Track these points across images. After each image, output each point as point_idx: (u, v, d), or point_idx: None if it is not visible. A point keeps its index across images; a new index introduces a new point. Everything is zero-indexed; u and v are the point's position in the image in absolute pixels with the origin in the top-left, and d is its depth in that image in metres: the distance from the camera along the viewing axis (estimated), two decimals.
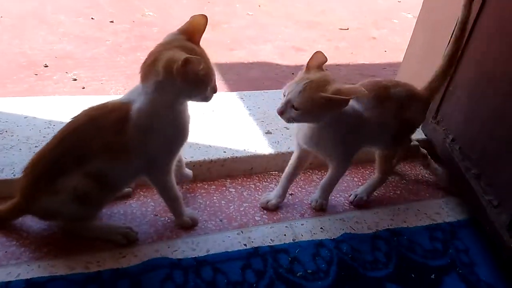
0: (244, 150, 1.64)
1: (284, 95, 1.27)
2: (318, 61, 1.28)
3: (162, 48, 1.12)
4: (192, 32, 1.17)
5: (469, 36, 1.60)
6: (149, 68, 1.11)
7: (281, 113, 1.26)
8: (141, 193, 1.48)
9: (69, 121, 1.19)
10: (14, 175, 1.37)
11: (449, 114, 1.73)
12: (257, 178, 1.63)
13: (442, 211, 1.60)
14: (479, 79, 1.57)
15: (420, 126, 1.89)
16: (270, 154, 1.65)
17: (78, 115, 1.19)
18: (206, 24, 1.19)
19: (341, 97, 1.21)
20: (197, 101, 1.20)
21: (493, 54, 1.51)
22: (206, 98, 1.20)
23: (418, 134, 1.90)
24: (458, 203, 1.63)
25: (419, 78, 1.93)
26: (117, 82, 2.19)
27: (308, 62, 1.29)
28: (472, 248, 1.44)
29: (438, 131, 1.78)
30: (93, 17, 2.90)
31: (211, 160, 1.57)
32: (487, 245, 1.44)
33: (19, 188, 1.20)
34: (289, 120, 1.27)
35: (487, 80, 1.53)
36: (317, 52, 1.28)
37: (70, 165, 1.15)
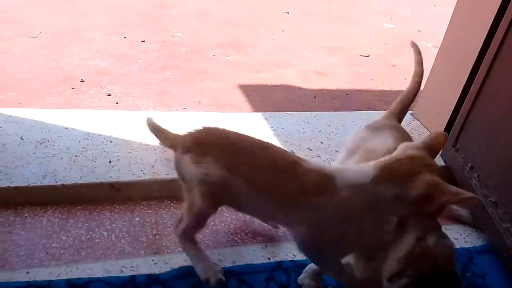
0: None
1: None
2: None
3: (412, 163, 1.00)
4: (432, 149, 1.09)
5: (490, 67, 1.67)
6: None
7: None
8: (172, 204, 1.57)
9: None
10: (56, 182, 1.47)
11: (469, 143, 1.79)
12: None
13: (460, 237, 1.64)
14: (499, 110, 1.64)
15: (439, 153, 1.95)
16: None
17: None
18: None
19: None
20: None
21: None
22: None
23: (438, 161, 1.95)
24: (474, 230, 1.67)
25: (439, 106, 2.01)
26: (148, 99, 2.30)
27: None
28: (488, 274, 1.48)
29: (457, 159, 1.83)
30: (125, 36, 3.05)
31: None
32: (504, 271, 1.47)
33: None
34: None
35: (507, 111, 1.59)
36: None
37: None
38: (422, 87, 2.25)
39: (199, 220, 1.24)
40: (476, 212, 1.64)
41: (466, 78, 1.84)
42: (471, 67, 1.81)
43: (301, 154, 1.84)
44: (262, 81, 2.72)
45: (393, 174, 0.98)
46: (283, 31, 3.61)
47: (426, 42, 3.52)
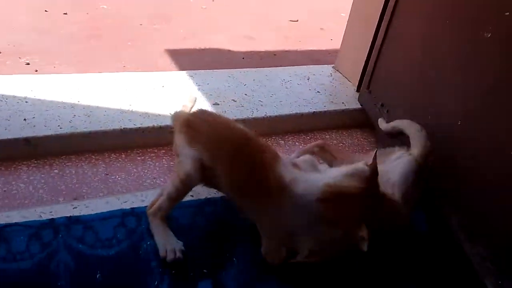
0: None
1: None
2: None
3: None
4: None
5: (390, 20, 1.84)
6: None
7: None
8: (93, 156, 1.57)
9: None
10: None
11: (379, 84, 1.94)
12: None
13: None
14: (400, 54, 1.79)
15: (357, 97, 2.09)
16: None
17: None
18: None
19: None
20: None
21: (409, 29, 1.73)
22: None
23: (354, 104, 2.09)
24: None
25: (355, 57, 2.16)
26: (69, 66, 2.25)
27: None
28: None
29: (370, 99, 1.97)
30: (46, 10, 2.94)
31: (160, 127, 1.67)
32: None
33: None
34: None
35: (406, 54, 1.74)
36: None
37: None
38: (339, 44, 2.40)
39: (183, 189, 1.26)
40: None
41: (374, 30, 1.99)
42: (377, 20, 1.96)
43: (226, 105, 1.89)
44: (190, 46, 2.73)
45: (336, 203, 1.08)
46: (213, 0, 3.62)
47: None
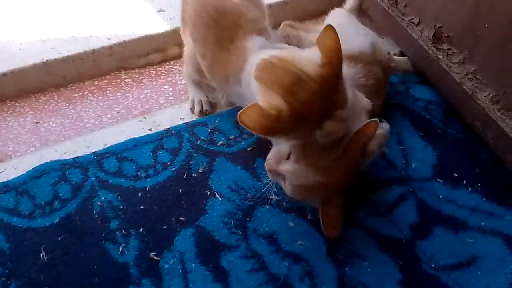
0: (133, 32, 1.38)
1: None
2: None
3: None
4: None
5: None
6: None
7: None
8: (17, 104, 1.23)
9: None
10: None
11: None
12: (157, 62, 1.39)
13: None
14: None
15: None
16: (166, 32, 1.41)
17: None
18: None
19: None
20: None
21: None
22: None
23: None
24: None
25: None
26: None
27: None
28: (407, 77, 1.30)
29: None
30: None
31: (94, 50, 1.31)
32: (419, 68, 1.31)
33: None
34: None
35: None
36: None
37: None
38: None
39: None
40: (379, 19, 1.44)
41: None
42: None
43: (173, 10, 1.48)
44: None
45: None
46: None
47: None
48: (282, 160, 0.88)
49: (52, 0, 1.48)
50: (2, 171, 1.03)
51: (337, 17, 1.27)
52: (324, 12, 1.39)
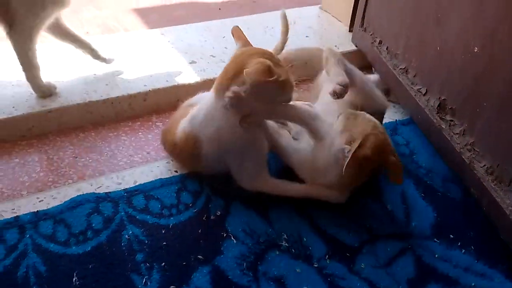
0: (167, 81, 1.54)
1: None
2: None
3: None
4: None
5: None
6: None
7: None
8: (58, 139, 1.36)
9: None
10: None
11: (373, 19, 1.70)
12: None
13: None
14: None
15: (351, 37, 1.87)
16: (197, 83, 1.56)
17: None
18: None
19: None
20: None
21: None
22: None
23: (349, 46, 1.86)
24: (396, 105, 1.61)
25: None
26: None
27: None
28: (412, 141, 1.43)
29: (366, 38, 1.74)
30: None
31: (130, 95, 1.46)
32: (423, 134, 1.43)
33: None
34: None
35: None
36: None
37: None
38: None
39: None
40: (390, 84, 1.58)
41: None
42: None
43: (204, 62, 1.67)
44: (158, 2, 2.45)
45: None
46: None
47: None
48: None
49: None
50: (42, 200, 1.15)
51: None
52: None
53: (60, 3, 1.27)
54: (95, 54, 1.51)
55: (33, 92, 1.40)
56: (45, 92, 1.38)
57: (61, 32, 1.42)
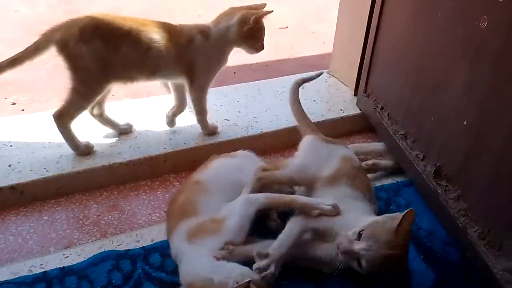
0: (185, 144, 1.68)
1: None
2: None
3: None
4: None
5: (380, 17, 1.74)
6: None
7: None
8: (83, 197, 1.49)
9: None
10: None
11: (376, 85, 1.84)
12: None
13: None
14: (393, 49, 1.69)
15: (356, 101, 2.00)
16: (211, 145, 1.70)
17: None
18: None
19: None
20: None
21: (399, 28, 1.63)
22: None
23: (353, 110, 2.00)
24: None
25: (349, 60, 2.06)
26: (58, 101, 2.18)
27: None
28: (412, 204, 1.51)
29: (369, 103, 1.87)
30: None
31: (151, 157, 1.60)
32: (423, 197, 1.51)
33: None
34: None
35: (398, 49, 1.64)
36: None
37: None
38: (332, 48, 2.31)
39: None
40: (391, 148, 1.68)
41: (364, 29, 1.90)
42: (366, 18, 1.87)
43: (219, 126, 1.81)
44: None
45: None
46: (199, 16, 3.55)
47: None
48: (353, 242, 1.09)
49: (118, 113, 1.82)
50: (68, 256, 1.25)
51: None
52: None
53: (222, 66, 1.65)
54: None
55: (63, 154, 1.55)
56: (210, 130, 1.72)
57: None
